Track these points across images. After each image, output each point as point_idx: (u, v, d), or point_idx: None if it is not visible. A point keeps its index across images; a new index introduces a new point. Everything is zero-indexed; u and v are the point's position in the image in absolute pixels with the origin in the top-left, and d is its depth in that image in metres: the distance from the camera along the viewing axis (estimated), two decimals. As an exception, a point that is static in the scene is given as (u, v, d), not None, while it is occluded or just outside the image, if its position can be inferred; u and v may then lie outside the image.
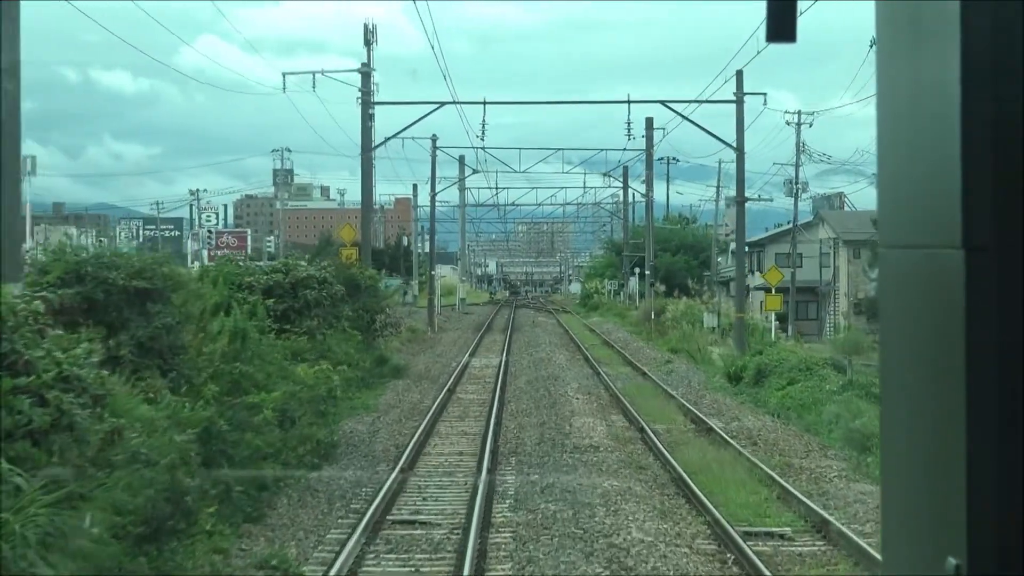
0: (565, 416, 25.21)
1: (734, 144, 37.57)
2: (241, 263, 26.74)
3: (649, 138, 59.62)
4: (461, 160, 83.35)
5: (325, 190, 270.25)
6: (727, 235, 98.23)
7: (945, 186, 1.91)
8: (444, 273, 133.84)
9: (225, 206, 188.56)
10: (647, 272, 60.80)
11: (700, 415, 25.46)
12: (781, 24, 2.37)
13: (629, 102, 39.15)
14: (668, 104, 37.18)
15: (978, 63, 1.87)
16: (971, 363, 1.86)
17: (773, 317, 40.20)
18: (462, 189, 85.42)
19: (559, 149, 59.32)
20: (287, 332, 24.54)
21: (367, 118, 36.46)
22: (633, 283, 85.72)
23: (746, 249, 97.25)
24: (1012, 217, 1.85)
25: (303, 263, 27.78)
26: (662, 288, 77.91)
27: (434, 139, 61.05)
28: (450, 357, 42.77)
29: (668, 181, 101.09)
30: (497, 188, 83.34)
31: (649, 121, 59.62)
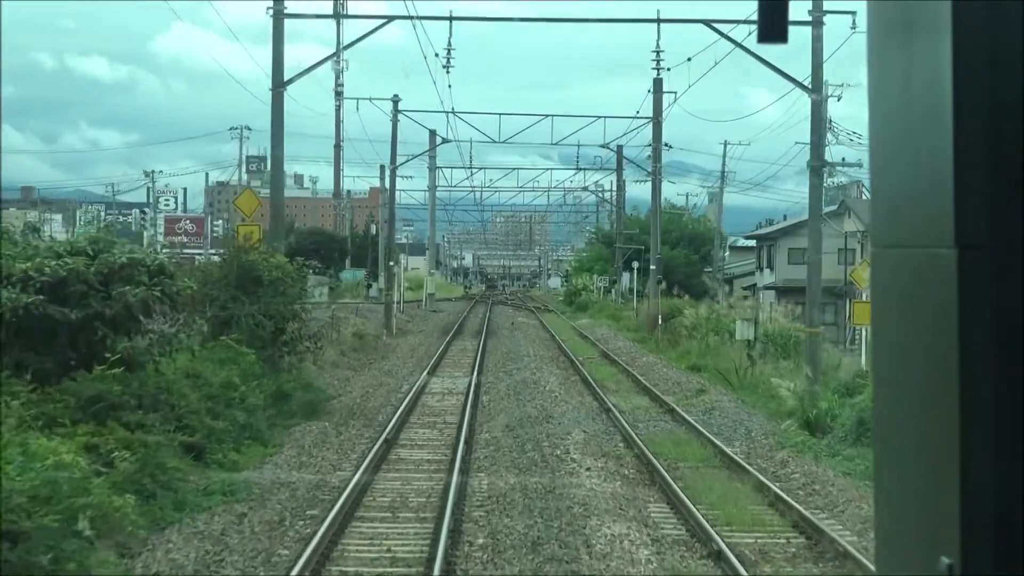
0: (575, 520, 14.29)
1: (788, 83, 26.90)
2: (19, 238, 15.85)
3: (657, 103, 48.87)
4: (432, 135, 73.03)
5: (299, 178, 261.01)
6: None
7: (938, 185, 1.91)
8: (416, 265, 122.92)
9: (184, 189, 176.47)
10: (652, 266, 49.99)
11: (806, 513, 14.72)
12: (772, 24, 2.37)
13: (659, 21, 28.33)
14: (712, 24, 26.31)
15: (971, 60, 1.86)
16: (965, 361, 1.85)
17: (864, 334, 29.35)
18: (432, 168, 74.53)
19: (547, 115, 48.16)
20: (76, 367, 13.72)
21: (279, 37, 25.72)
22: (626, 279, 75.05)
23: (754, 244, 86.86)
24: (1005, 215, 1.84)
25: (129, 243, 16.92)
26: (662, 286, 67.39)
27: (395, 100, 50.14)
28: (403, 375, 31.93)
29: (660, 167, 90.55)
30: (472, 168, 72.39)
31: (658, 83, 48.87)
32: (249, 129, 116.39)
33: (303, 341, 23.94)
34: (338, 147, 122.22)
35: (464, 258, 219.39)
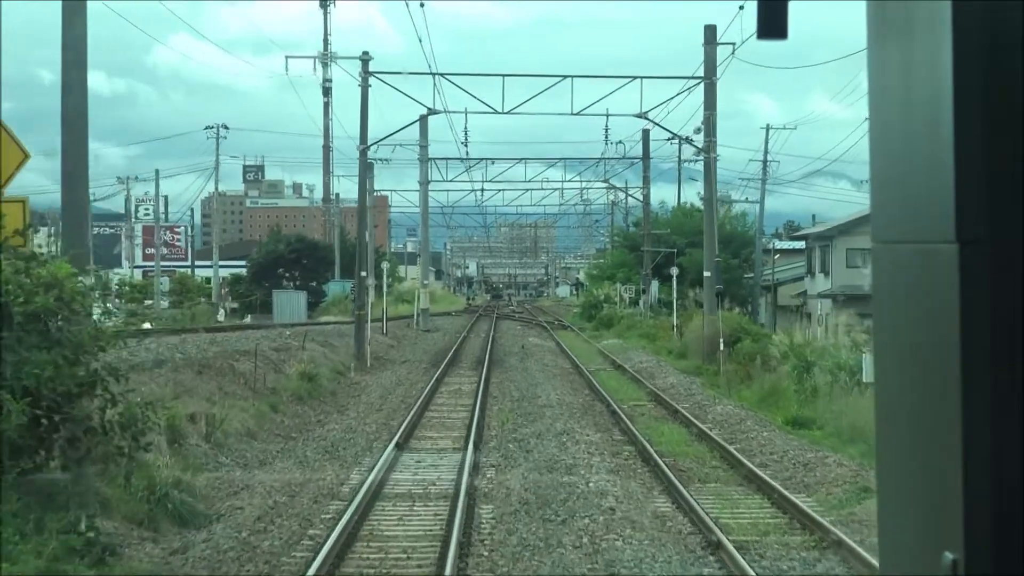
0: None
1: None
2: None
3: (710, 58, 37.01)
4: (423, 120, 61.58)
5: (298, 187, 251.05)
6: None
7: (938, 181, 1.91)
8: (414, 275, 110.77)
9: (166, 197, 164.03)
10: (706, 273, 38.09)
11: None
12: (772, 21, 2.36)
13: None
14: None
15: (970, 57, 1.86)
16: (966, 356, 1.85)
17: None
18: (424, 160, 62.75)
19: (565, 76, 36.26)
20: None
21: None
22: (654, 289, 63.22)
23: (803, 245, 74.95)
24: (1005, 211, 1.84)
25: None
26: (691, 294, 55.70)
27: (365, 59, 38.22)
28: (354, 453, 20.09)
29: (680, 164, 78.52)
30: (468, 157, 60.57)
31: (710, 31, 37.07)
32: (226, 128, 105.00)
33: (115, 436, 11.85)
34: (327, 148, 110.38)
35: (468, 267, 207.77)
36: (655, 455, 19.40)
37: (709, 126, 37.11)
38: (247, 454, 19.07)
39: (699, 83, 37.00)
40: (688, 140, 39.86)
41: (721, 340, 34.52)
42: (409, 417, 24.15)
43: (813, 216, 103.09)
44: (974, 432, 1.84)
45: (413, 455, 19.95)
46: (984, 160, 1.85)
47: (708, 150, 37.31)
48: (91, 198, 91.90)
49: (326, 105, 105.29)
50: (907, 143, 2.07)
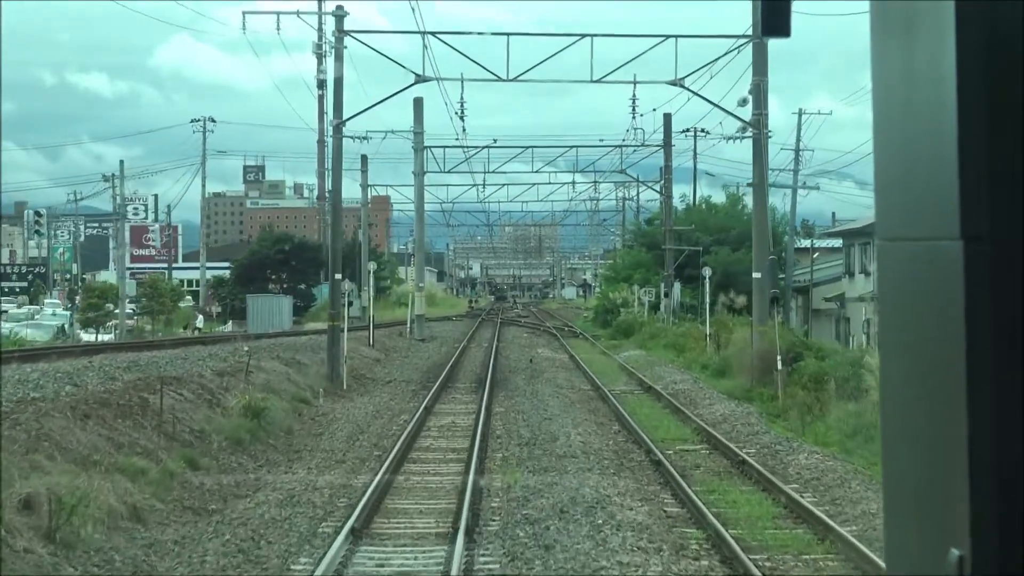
0: None
1: None
2: None
3: (759, 15, 30.35)
4: (417, 105, 55.57)
5: (299, 188, 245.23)
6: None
7: (942, 177, 1.91)
8: (414, 276, 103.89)
9: (155, 196, 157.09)
10: (755, 275, 31.37)
11: None
12: (776, 19, 2.40)
13: None
14: None
15: (974, 54, 1.86)
16: (971, 352, 1.84)
17: None
18: (419, 149, 56.16)
19: (584, 35, 29.51)
20: None
21: None
22: (677, 292, 56.52)
23: (841, 242, 68.28)
24: (1009, 207, 1.83)
25: None
26: (721, 298, 49.17)
27: (339, 15, 31.54)
28: (284, 548, 13.36)
29: (696, 154, 71.83)
30: (465, 138, 54.01)
31: (759, -20, 30.36)
32: (213, 121, 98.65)
33: None
34: (321, 143, 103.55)
35: (471, 268, 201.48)
36: (739, 550, 12.74)
37: (759, 95, 30.39)
38: (116, 555, 12.37)
39: (747, 42, 30.29)
40: (730, 113, 33.20)
41: (779, 357, 27.82)
42: (380, 475, 17.47)
43: (833, 214, 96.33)
44: (979, 428, 1.81)
45: (374, 551, 13.25)
46: (987, 156, 1.83)
47: (759, 125, 30.56)
48: (77, 196, 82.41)
49: (320, 98, 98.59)
50: (911, 140, 2.05)
